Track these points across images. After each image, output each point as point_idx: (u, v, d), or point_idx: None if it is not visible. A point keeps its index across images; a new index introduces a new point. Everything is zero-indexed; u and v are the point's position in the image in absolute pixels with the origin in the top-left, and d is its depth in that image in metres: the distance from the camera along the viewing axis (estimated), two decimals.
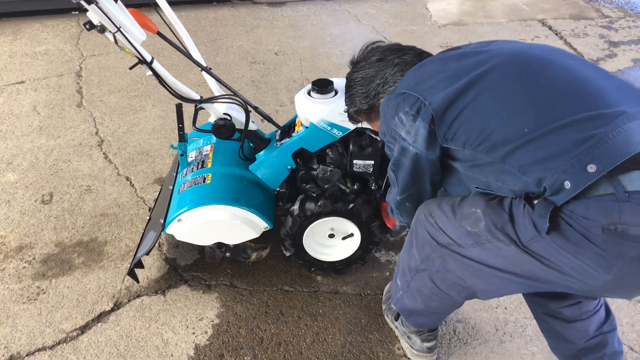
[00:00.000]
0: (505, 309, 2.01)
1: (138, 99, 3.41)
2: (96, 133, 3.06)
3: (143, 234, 2.10)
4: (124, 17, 1.56)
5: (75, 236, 2.34)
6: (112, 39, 1.56)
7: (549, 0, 4.88)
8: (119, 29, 1.52)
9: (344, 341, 1.90)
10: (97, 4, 1.46)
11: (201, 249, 2.23)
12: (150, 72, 1.67)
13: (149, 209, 2.48)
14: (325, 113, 1.88)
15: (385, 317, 1.98)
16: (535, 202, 1.16)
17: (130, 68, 1.68)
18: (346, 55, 3.95)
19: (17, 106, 3.32)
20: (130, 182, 2.67)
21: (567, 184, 1.08)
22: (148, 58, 1.63)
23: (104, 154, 2.89)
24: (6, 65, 3.83)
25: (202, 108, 1.90)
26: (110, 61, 3.82)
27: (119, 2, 1.58)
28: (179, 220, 1.88)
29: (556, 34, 4.16)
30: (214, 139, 2.18)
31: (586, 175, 1.06)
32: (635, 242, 1.06)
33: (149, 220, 2.15)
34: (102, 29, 1.53)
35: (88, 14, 1.53)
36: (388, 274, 2.16)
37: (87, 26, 1.55)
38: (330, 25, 4.46)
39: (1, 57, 3.94)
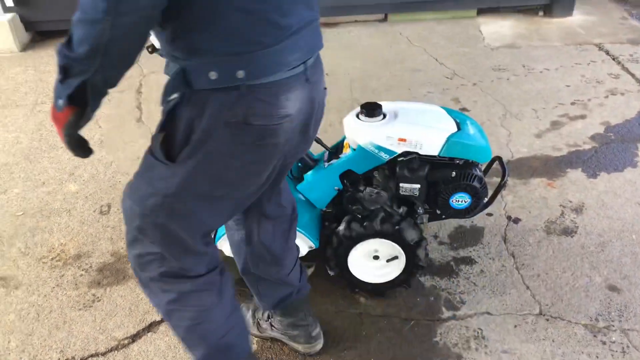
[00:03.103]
0: (553, 341, 1.96)
1: None
2: None
3: None
4: None
5: None
6: None
7: (607, 24, 4.76)
8: None
9: None
10: None
11: None
12: None
13: None
14: (373, 136, 1.91)
15: (258, 332, 1.98)
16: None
17: None
18: (396, 76, 3.98)
19: None
20: None
21: (214, 75, 1.11)
22: None
23: None
24: None
25: None
26: None
27: None
28: None
29: (613, 59, 4.05)
30: None
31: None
32: (254, 129, 1.15)
33: None
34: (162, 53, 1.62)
35: (151, 38, 1.62)
36: (433, 299, 2.15)
37: (150, 49, 1.65)
38: (382, 47, 4.50)
39: None
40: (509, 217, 2.56)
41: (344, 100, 3.68)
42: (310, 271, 2.18)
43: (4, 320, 2.10)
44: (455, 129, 1.96)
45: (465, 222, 2.53)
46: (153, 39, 1.63)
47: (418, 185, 1.99)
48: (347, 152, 2.04)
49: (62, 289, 2.23)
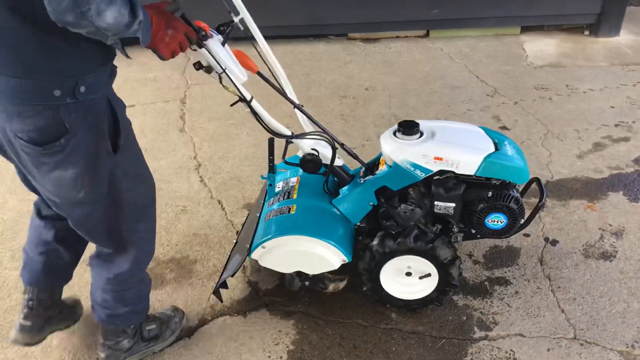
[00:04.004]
0: None
1: (234, 127, 3.63)
2: (194, 157, 3.29)
3: (229, 256, 2.23)
4: (229, 59, 1.72)
5: (169, 253, 2.52)
6: (217, 79, 1.72)
7: None
8: (224, 70, 1.67)
9: None
10: (206, 48, 1.62)
11: (282, 275, 2.32)
12: (248, 110, 1.81)
13: (237, 233, 2.62)
14: (409, 154, 1.93)
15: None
16: None
17: (232, 105, 1.84)
18: (436, 93, 3.98)
19: None
20: (222, 206, 2.85)
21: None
22: (248, 97, 1.78)
23: (200, 177, 3.10)
24: (119, 89, 4.18)
25: (291, 142, 2.02)
26: (212, 90, 4.09)
27: (226, 45, 1.73)
28: (263, 247, 1.99)
29: None
30: (300, 171, 2.28)
31: None
32: None
33: (236, 243, 2.28)
34: (208, 70, 1.69)
35: (198, 55, 1.70)
36: (465, 318, 2.14)
37: (196, 66, 1.73)
38: (422, 63, 4.51)
39: (116, 82, 4.33)
40: (546, 239, 2.53)
41: (382, 116, 3.71)
42: (342, 285, 2.21)
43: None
44: (492, 149, 1.96)
45: (501, 242, 2.51)
46: (199, 57, 1.71)
47: (453, 204, 2.00)
48: (383, 168, 2.07)
49: None
